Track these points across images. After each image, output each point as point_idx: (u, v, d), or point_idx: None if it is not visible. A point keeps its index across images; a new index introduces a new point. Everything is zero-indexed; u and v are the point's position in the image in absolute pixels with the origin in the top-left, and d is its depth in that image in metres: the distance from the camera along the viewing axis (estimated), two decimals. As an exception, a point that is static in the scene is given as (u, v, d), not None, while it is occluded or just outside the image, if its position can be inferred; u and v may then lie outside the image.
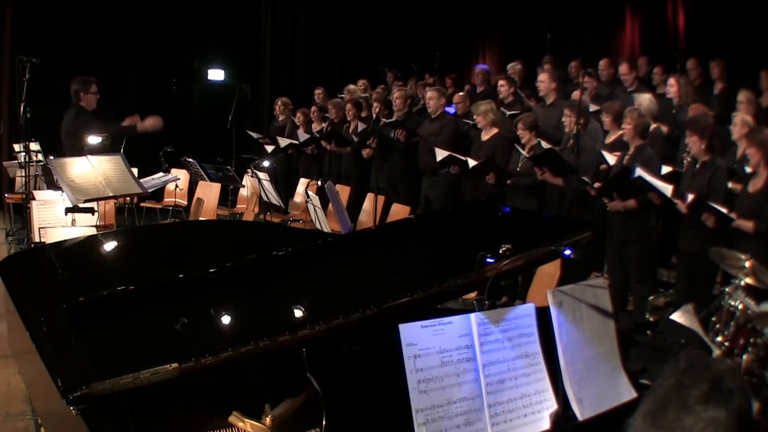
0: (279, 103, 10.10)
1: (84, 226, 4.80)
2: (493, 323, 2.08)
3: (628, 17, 10.06)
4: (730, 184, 5.31)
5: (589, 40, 9.95)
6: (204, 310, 2.21)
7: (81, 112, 6.44)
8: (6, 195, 9.27)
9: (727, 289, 4.26)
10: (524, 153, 6.34)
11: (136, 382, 1.80)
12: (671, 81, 6.80)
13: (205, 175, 8.27)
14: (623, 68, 7.45)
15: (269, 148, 9.55)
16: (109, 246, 3.19)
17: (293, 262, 2.53)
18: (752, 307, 4.10)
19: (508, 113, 7.35)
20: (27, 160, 6.70)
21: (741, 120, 5.56)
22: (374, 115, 8.10)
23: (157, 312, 2.18)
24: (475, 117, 6.98)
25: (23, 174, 6.97)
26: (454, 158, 6.78)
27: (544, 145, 6.35)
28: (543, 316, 2.17)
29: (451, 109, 8.06)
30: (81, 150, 5.96)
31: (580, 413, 2.10)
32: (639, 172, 5.30)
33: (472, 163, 6.57)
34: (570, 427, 2.09)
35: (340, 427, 1.87)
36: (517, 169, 6.44)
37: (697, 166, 5.32)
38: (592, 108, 6.87)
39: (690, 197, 5.12)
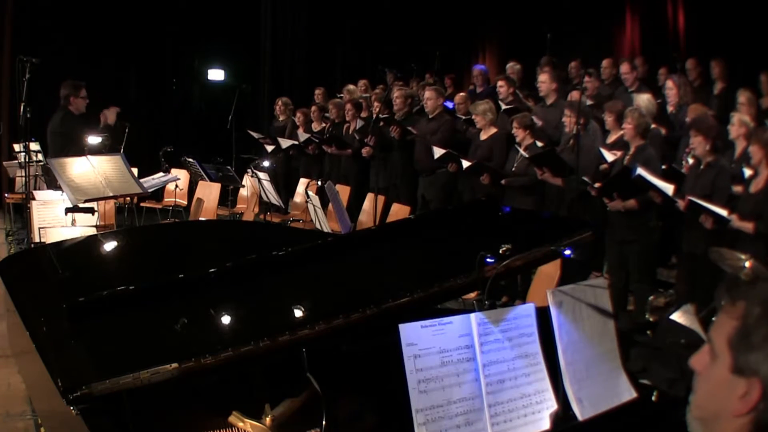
0: (279, 103, 10.09)
1: (84, 226, 4.80)
2: (493, 323, 2.08)
3: (628, 17, 10.06)
4: (734, 188, 5.29)
5: (589, 40, 9.94)
6: (204, 310, 2.20)
7: (68, 116, 6.47)
8: (6, 195, 9.27)
9: (727, 289, 4.25)
10: (522, 152, 6.33)
11: (136, 382, 1.79)
12: (669, 84, 6.79)
13: (205, 175, 8.28)
14: (624, 68, 7.44)
15: (269, 148, 9.54)
16: (109, 246, 3.19)
17: (293, 262, 2.52)
18: (752, 307, 4.08)
19: (504, 108, 7.37)
20: (27, 160, 6.70)
21: (739, 120, 5.55)
22: (374, 115, 8.10)
23: (157, 312, 2.18)
24: (474, 117, 6.98)
25: (23, 174, 6.97)
26: (452, 156, 6.78)
27: (539, 144, 6.35)
28: (543, 316, 2.16)
29: (449, 104, 8.08)
30: (65, 152, 5.97)
31: (580, 413, 2.10)
32: (639, 170, 5.29)
33: (465, 163, 6.58)
34: (570, 427, 2.09)
35: (340, 427, 1.87)
36: (513, 168, 6.44)
37: (702, 167, 5.30)
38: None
39: (687, 199, 5.10)
